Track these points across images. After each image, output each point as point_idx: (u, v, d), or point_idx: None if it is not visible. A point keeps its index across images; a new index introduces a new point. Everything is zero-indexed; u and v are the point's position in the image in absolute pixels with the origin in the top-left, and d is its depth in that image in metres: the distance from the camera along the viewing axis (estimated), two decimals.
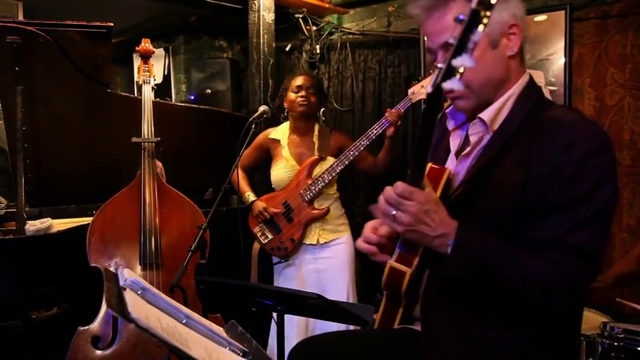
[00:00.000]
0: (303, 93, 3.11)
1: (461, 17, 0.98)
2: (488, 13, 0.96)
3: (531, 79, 1.40)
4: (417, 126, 3.85)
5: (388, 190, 1.25)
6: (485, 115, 1.35)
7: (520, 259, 1.23)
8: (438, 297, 1.39)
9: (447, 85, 1.01)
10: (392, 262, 1.38)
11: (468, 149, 1.40)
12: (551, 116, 1.30)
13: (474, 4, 0.95)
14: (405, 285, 1.36)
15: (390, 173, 3.19)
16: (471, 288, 1.30)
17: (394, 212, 1.24)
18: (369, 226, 1.50)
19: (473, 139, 1.39)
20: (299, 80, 3.15)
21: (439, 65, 1.03)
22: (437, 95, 1.07)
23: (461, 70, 0.99)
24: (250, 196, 3.19)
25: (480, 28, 0.96)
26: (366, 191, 4.06)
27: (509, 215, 1.27)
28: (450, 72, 1.01)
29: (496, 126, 1.35)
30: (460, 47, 0.98)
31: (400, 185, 1.22)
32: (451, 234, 1.24)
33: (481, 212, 1.29)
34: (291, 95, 3.14)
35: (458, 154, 1.46)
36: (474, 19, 0.96)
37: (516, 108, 1.35)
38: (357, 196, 4.11)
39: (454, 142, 1.49)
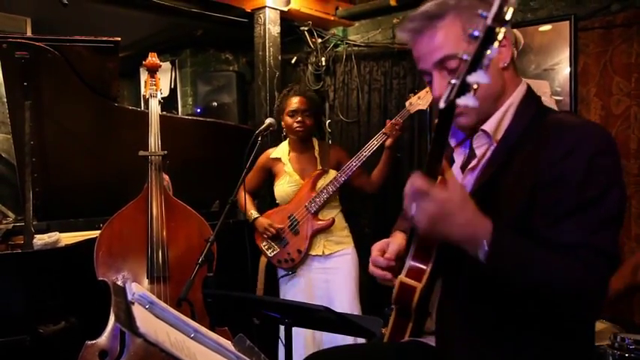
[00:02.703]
0: (298, 118, 3.15)
1: (475, 34, 0.96)
2: (503, 29, 0.95)
3: (529, 87, 1.40)
4: (424, 134, 3.87)
5: (408, 185, 1.17)
6: (488, 126, 1.35)
7: (554, 260, 1.18)
8: (451, 312, 1.38)
9: (462, 101, 1.00)
10: (402, 277, 1.37)
11: (474, 162, 1.39)
12: (554, 121, 1.30)
13: (489, 21, 0.94)
14: (416, 301, 1.35)
15: (398, 186, 3.20)
16: (487, 301, 1.28)
17: (412, 213, 1.17)
18: (375, 249, 1.49)
19: (479, 152, 1.39)
20: (293, 104, 3.17)
21: (452, 81, 1.01)
22: (450, 110, 1.06)
23: (475, 86, 0.98)
24: (253, 213, 3.23)
25: (495, 44, 0.95)
26: (374, 203, 4.05)
27: (521, 223, 1.25)
28: (464, 88, 1.00)
29: (499, 136, 1.34)
30: (475, 63, 0.97)
31: (418, 179, 1.14)
32: (482, 237, 1.16)
33: (493, 222, 1.24)
34: (287, 120, 3.18)
35: (463, 168, 1.45)
36: (489, 36, 0.95)
37: (518, 116, 1.34)
38: (364, 208, 4.10)
39: (458, 158, 1.48)
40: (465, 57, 0.98)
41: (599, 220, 1.19)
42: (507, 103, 1.36)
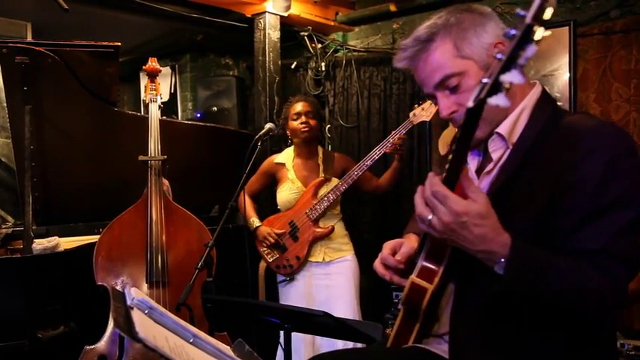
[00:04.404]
0: (303, 119, 3.19)
1: (512, 32, 0.94)
2: (541, 29, 0.93)
3: (544, 90, 1.38)
4: (424, 142, 3.87)
5: (422, 189, 1.17)
6: (502, 129, 1.33)
7: (571, 269, 1.17)
8: (465, 318, 1.35)
9: (493, 100, 0.98)
10: (414, 277, 1.34)
11: (490, 166, 1.37)
12: (570, 123, 1.28)
13: (528, 20, 0.92)
14: (426, 302, 1.32)
15: (397, 192, 3.21)
16: (503, 307, 1.26)
17: (430, 217, 1.16)
18: (387, 247, 1.47)
19: (495, 155, 1.36)
20: (297, 107, 3.22)
21: (484, 80, 0.99)
22: (478, 110, 1.04)
23: (507, 85, 0.96)
24: (255, 221, 3.24)
25: (533, 44, 0.93)
26: (373, 208, 4.05)
27: (538, 227, 1.23)
28: (496, 87, 0.98)
29: (514, 138, 1.32)
30: (510, 62, 0.95)
31: (436, 184, 1.14)
32: (498, 253, 1.16)
33: (507, 227, 1.20)
34: (292, 123, 3.22)
35: (478, 172, 1.42)
36: (527, 35, 0.93)
37: (533, 119, 1.32)
38: (363, 213, 4.10)
39: (472, 162, 1.46)
40: (499, 56, 0.96)
41: (619, 226, 1.18)
42: (521, 105, 1.34)
